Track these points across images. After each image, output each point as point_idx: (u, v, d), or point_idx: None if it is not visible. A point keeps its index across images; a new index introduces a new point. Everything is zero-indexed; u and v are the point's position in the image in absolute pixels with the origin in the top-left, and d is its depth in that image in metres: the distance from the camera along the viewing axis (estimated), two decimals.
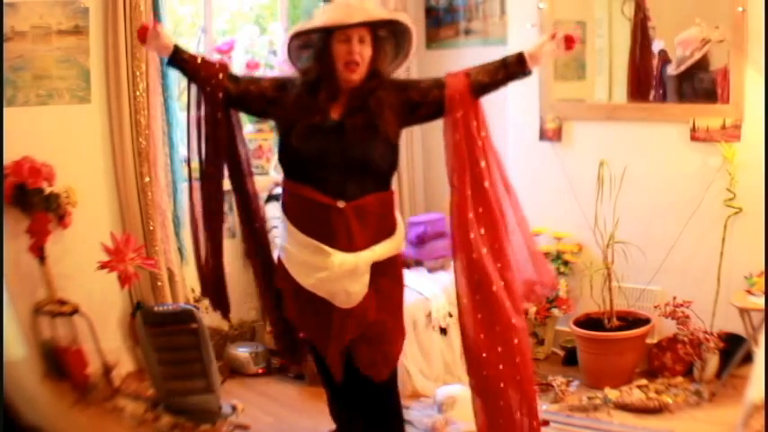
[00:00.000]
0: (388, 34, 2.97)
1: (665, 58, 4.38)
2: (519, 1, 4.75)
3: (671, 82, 4.35)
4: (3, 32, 3.89)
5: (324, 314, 2.97)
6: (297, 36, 2.96)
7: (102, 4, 4.16)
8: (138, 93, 4.22)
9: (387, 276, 3.00)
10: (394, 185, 3.07)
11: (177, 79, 4.35)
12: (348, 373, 3.00)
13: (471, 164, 2.93)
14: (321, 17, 2.92)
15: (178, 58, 3.04)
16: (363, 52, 2.88)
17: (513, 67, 2.94)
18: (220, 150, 3.09)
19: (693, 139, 4.23)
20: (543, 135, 4.69)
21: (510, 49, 4.75)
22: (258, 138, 4.87)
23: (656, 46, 4.43)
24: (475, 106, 2.94)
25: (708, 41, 4.13)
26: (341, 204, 2.87)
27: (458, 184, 2.94)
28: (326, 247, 2.88)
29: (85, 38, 4.15)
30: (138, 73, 4.20)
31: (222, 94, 3.01)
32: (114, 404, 3.89)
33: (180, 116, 4.45)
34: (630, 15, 4.50)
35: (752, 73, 4.02)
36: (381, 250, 2.95)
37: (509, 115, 4.75)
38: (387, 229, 2.99)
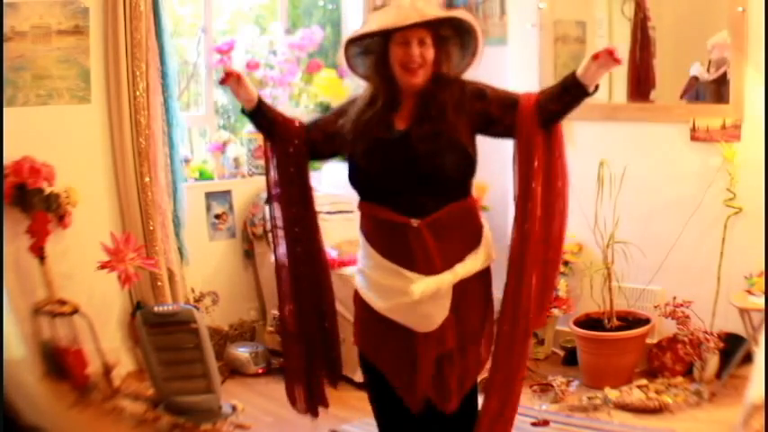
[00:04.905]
0: (452, 34, 2.77)
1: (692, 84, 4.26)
2: (519, 1, 4.75)
3: (708, 88, 4.24)
4: (3, 32, 3.89)
5: (402, 342, 2.78)
6: (353, 42, 2.80)
7: (102, 4, 4.17)
8: (138, 93, 4.22)
9: (469, 297, 2.79)
10: None
11: (177, 79, 4.34)
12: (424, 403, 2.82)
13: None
14: (374, 21, 2.79)
15: (260, 112, 2.89)
16: (425, 54, 2.70)
17: (576, 90, 2.69)
18: (308, 210, 2.97)
19: (693, 139, 4.23)
20: None
21: (510, 49, 4.84)
22: (258, 138, 4.86)
23: (695, 70, 4.23)
24: (542, 134, 2.72)
25: None
26: (415, 223, 2.68)
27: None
28: (407, 272, 2.70)
29: (85, 38, 4.16)
30: (138, 73, 4.20)
31: (304, 155, 2.91)
32: (114, 404, 3.89)
33: (180, 116, 4.47)
34: (630, 15, 4.50)
35: (752, 73, 4.02)
36: (464, 270, 2.74)
37: None
38: (470, 242, 2.78)
